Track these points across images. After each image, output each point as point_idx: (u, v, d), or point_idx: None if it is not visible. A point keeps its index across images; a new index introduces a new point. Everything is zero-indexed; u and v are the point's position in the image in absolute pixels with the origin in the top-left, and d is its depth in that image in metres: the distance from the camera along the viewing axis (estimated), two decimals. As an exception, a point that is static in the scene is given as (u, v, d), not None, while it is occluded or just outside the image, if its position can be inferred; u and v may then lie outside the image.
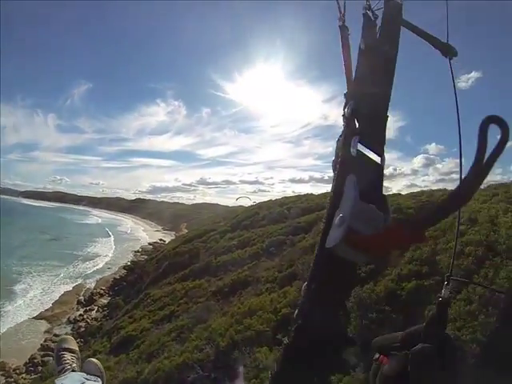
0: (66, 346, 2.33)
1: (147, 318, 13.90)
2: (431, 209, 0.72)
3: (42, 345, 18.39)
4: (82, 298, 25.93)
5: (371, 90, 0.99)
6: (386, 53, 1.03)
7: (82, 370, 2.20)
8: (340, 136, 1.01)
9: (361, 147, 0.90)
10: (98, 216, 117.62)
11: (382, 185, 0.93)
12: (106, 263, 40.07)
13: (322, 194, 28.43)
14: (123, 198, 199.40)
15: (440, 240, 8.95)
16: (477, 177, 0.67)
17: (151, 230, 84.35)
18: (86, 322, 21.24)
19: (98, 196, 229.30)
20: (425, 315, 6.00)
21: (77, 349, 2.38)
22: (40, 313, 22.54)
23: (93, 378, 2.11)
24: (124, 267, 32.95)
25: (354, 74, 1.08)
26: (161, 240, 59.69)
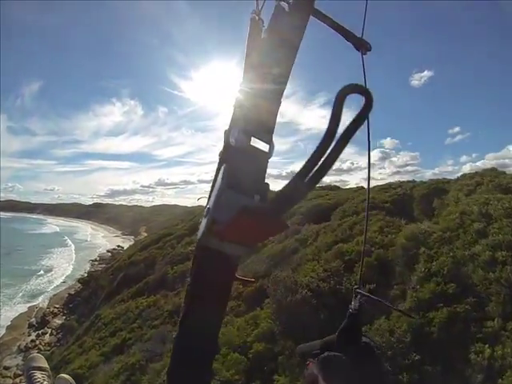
0: (35, 364, 2.27)
1: (97, 347, 12.86)
2: (283, 192, 0.64)
3: None
4: (33, 320, 24.29)
5: (263, 77, 0.93)
6: (290, 41, 0.98)
7: None
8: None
9: (245, 136, 0.85)
10: (53, 224, 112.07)
11: (264, 173, 0.89)
12: (65, 276, 38.28)
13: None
14: (80, 204, 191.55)
15: (456, 243, 7.33)
16: (332, 151, 0.58)
17: (110, 235, 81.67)
18: (39, 348, 19.88)
19: (54, 202, 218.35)
20: (470, 359, 5.22)
21: (47, 366, 2.32)
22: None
23: None
24: (79, 280, 31.03)
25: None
26: (119, 246, 57.83)
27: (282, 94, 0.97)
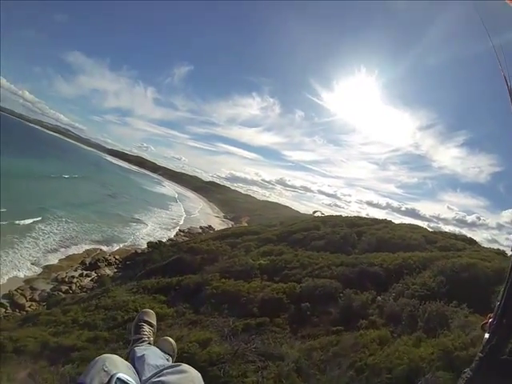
0: (146, 318, 2.30)
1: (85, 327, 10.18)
2: None
3: (9, 291, 17.34)
4: (89, 259, 24.63)
5: None
6: None
7: (156, 346, 2.16)
8: None
9: None
10: (166, 187, 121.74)
11: None
12: (147, 235, 39.00)
13: (406, 224, 23.73)
14: (199, 178, 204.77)
15: None
16: None
17: (211, 214, 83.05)
18: (70, 287, 19.62)
19: (177, 170, 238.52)
20: None
21: (155, 324, 2.34)
22: (40, 261, 21.70)
23: (166, 356, 2.04)
24: (148, 243, 30.95)
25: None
26: (210, 227, 58.06)
27: None
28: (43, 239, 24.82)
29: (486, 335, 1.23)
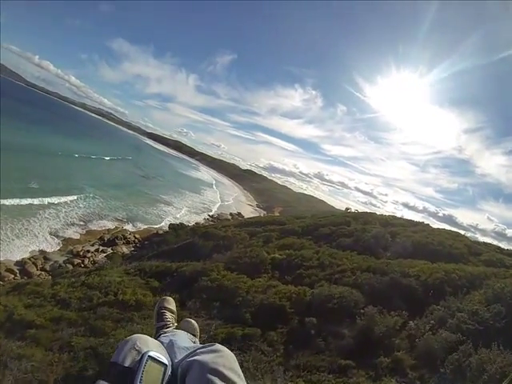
0: (167, 305, 2.32)
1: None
2: None
3: (22, 259, 17.62)
4: (108, 236, 24.72)
5: None
6: None
7: (180, 328, 2.17)
8: None
9: None
10: (202, 172, 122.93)
11: None
12: (173, 217, 39.17)
13: (445, 230, 21.19)
14: (236, 166, 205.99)
15: None
16: None
17: (244, 202, 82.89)
18: (82, 261, 19.65)
19: (215, 157, 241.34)
20: None
21: (175, 310, 2.34)
22: (59, 233, 22.03)
23: (192, 337, 2.01)
24: (169, 226, 30.69)
25: None
26: (239, 214, 57.61)
27: None
28: (66, 213, 25.21)
29: None
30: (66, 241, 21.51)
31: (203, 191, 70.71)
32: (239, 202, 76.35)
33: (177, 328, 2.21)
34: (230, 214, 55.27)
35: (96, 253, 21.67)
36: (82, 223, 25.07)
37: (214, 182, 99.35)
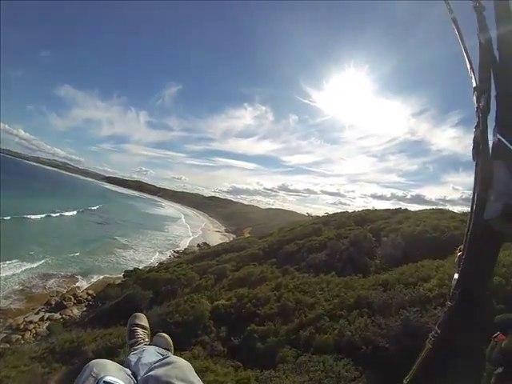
0: (139, 322, 2.37)
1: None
2: None
3: None
4: (56, 298, 22.47)
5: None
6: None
7: (152, 344, 2.19)
8: (476, 126, 1.12)
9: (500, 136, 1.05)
10: (165, 208, 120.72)
11: None
12: (132, 260, 36.93)
13: (428, 210, 19.69)
14: (200, 195, 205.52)
15: None
16: None
17: (212, 229, 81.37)
18: (23, 335, 17.49)
19: (178, 190, 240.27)
20: None
21: (148, 326, 2.39)
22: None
23: (164, 351, 2.01)
24: (124, 273, 28.38)
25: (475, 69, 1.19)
26: (205, 244, 55.21)
27: None
28: (6, 279, 22.80)
29: (456, 275, 1.17)
30: (5, 313, 19.09)
31: (167, 227, 68.65)
32: (207, 231, 74.78)
33: (150, 343, 2.20)
34: (198, 246, 53.68)
35: (41, 322, 19.33)
36: (24, 288, 22.60)
37: (178, 216, 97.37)
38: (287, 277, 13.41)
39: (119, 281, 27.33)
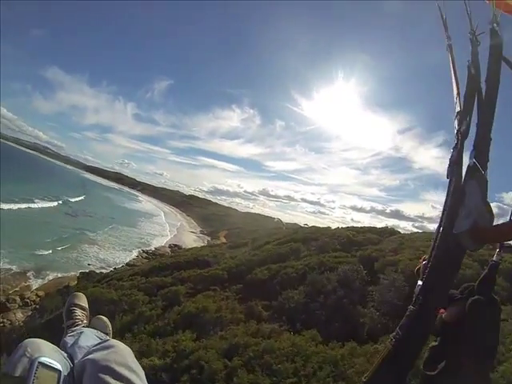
0: (77, 301, 2.27)
1: None
2: None
3: None
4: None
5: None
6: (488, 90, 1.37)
7: (90, 326, 2.11)
8: (453, 147, 1.35)
9: (472, 159, 1.16)
10: (142, 203, 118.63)
11: (486, 193, 1.17)
12: (94, 258, 35.35)
13: (420, 233, 19.56)
14: (180, 192, 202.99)
15: None
16: None
17: (187, 229, 79.52)
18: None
19: (158, 186, 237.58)
20: None
21: (87, 306, 2.30)
22: None
23: (103, 335, 1.94)
24: (79, 273, 26.69)
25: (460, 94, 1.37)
26: (175, 246, 52.68)
27: (490, 133, 1.37)
28: None
29: (419, 282, 1.31)
30: None
31: (140, 223, 66.95)
32: (182, 231, 73.20)
33: (88, 326, 2.13)
34: (169, 247, 51.98)
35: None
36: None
37: (154, 213, 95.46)
38: (249, 326, 9.81)
39: (74, 282, 25.83)
